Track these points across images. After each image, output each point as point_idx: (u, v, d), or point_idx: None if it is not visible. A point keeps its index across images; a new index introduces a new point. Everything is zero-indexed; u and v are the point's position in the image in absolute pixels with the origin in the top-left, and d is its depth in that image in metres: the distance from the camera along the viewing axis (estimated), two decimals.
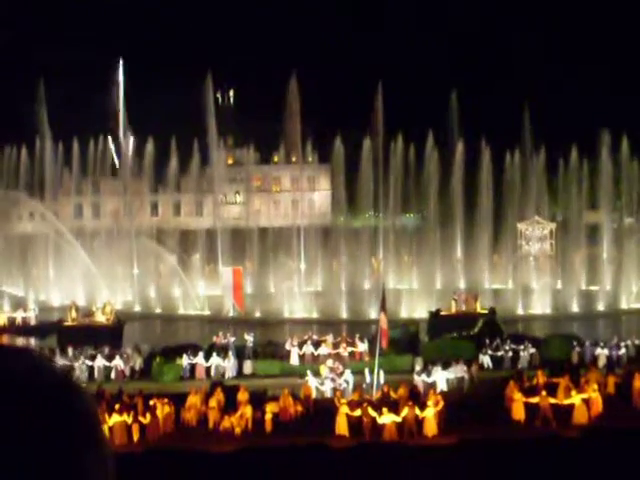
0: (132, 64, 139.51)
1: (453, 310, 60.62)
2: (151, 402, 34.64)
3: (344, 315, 69.54)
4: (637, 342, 48.75)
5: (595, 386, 35.87)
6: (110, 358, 46.74)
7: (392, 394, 36.47)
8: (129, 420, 33.24)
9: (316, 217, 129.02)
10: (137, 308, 75.96)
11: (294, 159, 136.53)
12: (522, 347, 47.70)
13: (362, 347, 47.60)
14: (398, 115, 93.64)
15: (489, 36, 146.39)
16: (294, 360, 47.27)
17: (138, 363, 46.92)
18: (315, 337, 49.92)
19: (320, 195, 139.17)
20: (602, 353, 46.77)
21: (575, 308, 71.44)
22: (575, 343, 48.29)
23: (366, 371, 40.39)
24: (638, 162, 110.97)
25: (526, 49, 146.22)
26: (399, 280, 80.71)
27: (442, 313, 60.40)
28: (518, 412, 34.65)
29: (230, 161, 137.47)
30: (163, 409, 34.36)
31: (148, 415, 33.74)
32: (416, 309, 67.87)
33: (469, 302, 61.32)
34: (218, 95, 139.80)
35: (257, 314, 70.91)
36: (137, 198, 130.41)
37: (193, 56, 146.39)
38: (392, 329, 46.71)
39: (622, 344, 47.61)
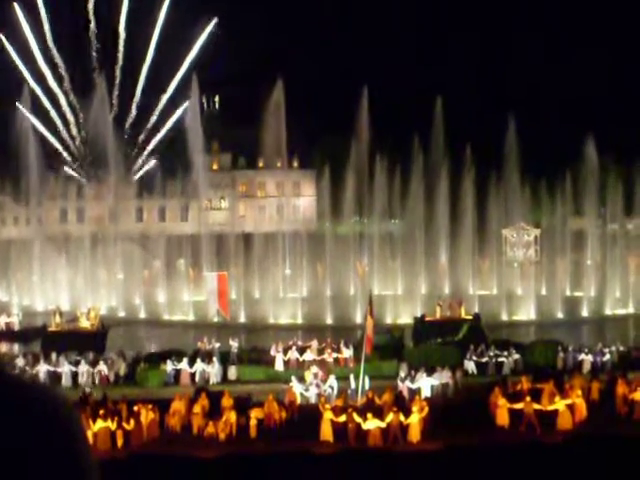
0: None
1: (438, 316, 60.67)
2: (135, 408, 34.56)
3: (329, 321, 69.54)
4: (621, 348, 48.91)
5: (579, 392, 35.96)
6: (94, 363, 46.62)
7: (377, 400, 36.47)
8: (113, 426, 33.14)
9: (301, 223, 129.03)
10: (121, 313, 75.77)
11: (279, 165, 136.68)
12: (506, 353, 47.79)
13: (347, 353, 47.61)
14: (383, 120, 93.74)
15: (474, 40, 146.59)
16: (279, 366, 47.26)
17: (122, 369, 46.80)
18: (300, 343, 49.90)
19: (305, 201, 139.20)
20: (586, 359, 46.93)
21: (559, 314, 71.60)
22: (559, 349, 48.40)
23: (351, 377, 40.40)
24: (622, 168, 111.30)
25: (513, 54, 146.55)
26: (384, 286, 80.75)
27: (427, 319, 60.45)
28: (502, 418, 34.72)
29: (215, 166, 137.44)
30: (147, 415, 34.29)
31: (132, 421, 33.65)
32: (401, 315, 67.94)
33: (454, 308, 61.38)
34: (203, 100, 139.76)
35: (242, 320, 70.87)
36: (122, 203, 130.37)
37: (179, 61, 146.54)
38: (377, 335, 46.79)
39: (606, 350, 47.77)
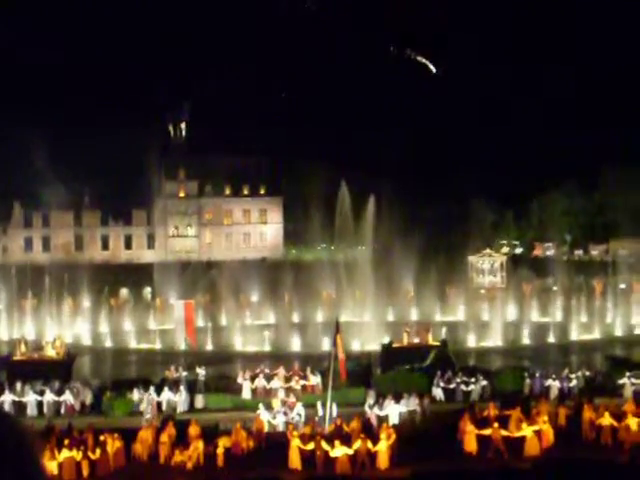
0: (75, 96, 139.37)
1: (405, 343, 60.65)
2: (101, 437, 34.26)
3: (296, 348, 69.37)
4: (587, 373, 49.10)
5: (546, 418, 36.07)
6: (60, 393, 46.19)
7: (345, 427, 36.44)
8: (78, 456, 32.82)
9: (268, 250, 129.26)
10: (88, 342, 75.22)
11: (246, 192, 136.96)
12: (474, 379, 47.85)
13: (314, 380, 47.50)
14: (351, 145, 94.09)
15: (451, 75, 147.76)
16: (246, 394, 47.04)
17: (88, 398, 46.40)
18: (267, 370, 49.74)
19: (272, 228, 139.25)
20: (553, 385, 47.06)
21: (526, 340, 71.82)
22: (526, 375, 48.55)
23: (318, 404, 40.32)
24: (587, 197, 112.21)
25: (484, 77, 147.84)
26: (351, 312, 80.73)
27: (394, 346, 60.41)
28: (470, 444, 34.73)
29: (182, 194, 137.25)
30: (113, 444, 34.00)
31: (98, 450, 33.35)
32: (368, 341, 67.86)
33: (421, 334, 61.40)
34: (170, 129, 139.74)
35: (209, 348, 70.54)
36: (88, 231, 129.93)
37: (146, 91, 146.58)
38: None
39: (573, 375, 47.94)
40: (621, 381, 47.18)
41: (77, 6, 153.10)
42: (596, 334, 73.40)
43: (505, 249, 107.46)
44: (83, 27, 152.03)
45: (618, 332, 74.45)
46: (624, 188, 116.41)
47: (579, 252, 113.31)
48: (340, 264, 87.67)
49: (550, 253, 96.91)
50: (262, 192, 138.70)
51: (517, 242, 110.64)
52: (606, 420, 36.39)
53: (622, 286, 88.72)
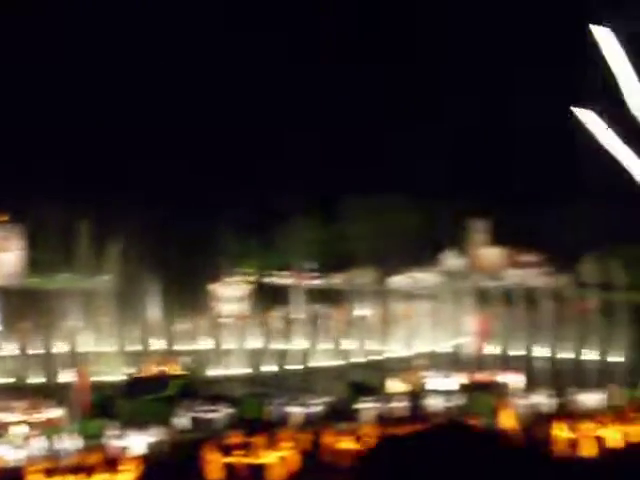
0: None
1: (149, 372, 60.31)
2: None
3: (37, 379, 67.56)
4: (328, 399, 50.34)
5: (290, 443, 36.71)
6: None
7: (87, 459, 35.80)
8: None
9: (7, 278, 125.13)
10: None
11: None
12: (218, 408, 48.11)
13: (55, 412, 46.45)
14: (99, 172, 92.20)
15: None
16: None
17: None
18: (6, 402, 48.21)
19: (12, 255, 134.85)
20: (296, 411, 47.97)
21: (271, 367, 72.76)
22: (269, 401, 49.27)
23: (60, 436, 39.49)
24: (329, 226, 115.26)
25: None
26: (94, 342, 79.34)
27: (138, 375, 59.95)
28: (215, 472, 34.86)
29: None
30: None
31: None
32: (112, 372, 66.95)
33: (165, 364, 61.24)
34: None
35: None
36: None
37: None
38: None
39: (315, 401, 49.05)
40: (359, 406, 48.74)
41: None
42: (336, 361, 75.29)
43: (252, 277, 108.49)
44: None
45: (357, 358, 76.63)
46: (361, 218, 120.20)
47: (320, 281, 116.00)
48: (83, 293, 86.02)
49: (292, 281, 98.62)
50: (2, 219, 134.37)
51: (260, 271, 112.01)
52: (345, 444, 37.44)
53: (360, 313, 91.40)
